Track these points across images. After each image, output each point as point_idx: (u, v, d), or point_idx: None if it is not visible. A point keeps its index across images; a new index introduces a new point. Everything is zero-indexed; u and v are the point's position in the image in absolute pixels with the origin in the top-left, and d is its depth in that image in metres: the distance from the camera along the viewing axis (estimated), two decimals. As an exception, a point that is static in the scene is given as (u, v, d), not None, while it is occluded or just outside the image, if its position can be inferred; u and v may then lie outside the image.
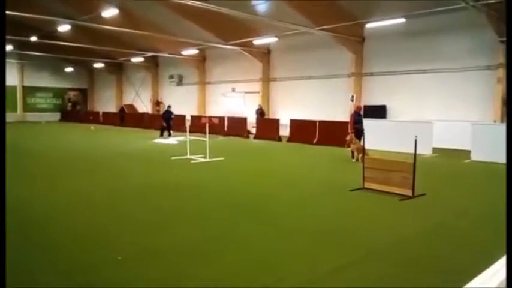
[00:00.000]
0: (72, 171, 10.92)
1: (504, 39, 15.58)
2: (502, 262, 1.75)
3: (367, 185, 8.45)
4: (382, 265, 4.48)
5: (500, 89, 16.02)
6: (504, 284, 1.58)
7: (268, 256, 4.72)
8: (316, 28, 19.16)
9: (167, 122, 21.76)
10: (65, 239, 5.28)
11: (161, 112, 30.98)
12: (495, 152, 12.22)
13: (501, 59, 15.94)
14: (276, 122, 21.24)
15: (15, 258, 4.31)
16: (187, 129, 15.08)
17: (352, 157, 13.01)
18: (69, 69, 39.94)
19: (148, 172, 10.77)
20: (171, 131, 21.76)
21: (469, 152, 13.45)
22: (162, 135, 21.57)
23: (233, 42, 23.71)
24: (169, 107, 22.66)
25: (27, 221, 6.01)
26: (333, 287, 3.98)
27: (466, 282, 1.65)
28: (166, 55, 29.45)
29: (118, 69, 38.42)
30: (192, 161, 12.42)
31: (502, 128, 13.26)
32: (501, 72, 15.93)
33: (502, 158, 11.51)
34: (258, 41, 22.93)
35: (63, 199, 7.52)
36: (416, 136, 7.89)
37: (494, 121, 15.82)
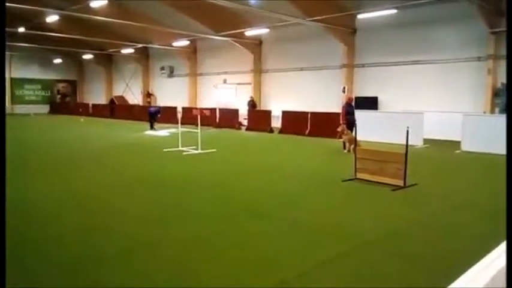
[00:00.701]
0: (62, 165, 10.81)
1: (495, 30, 15.69)
2: (497, 252, 1.74)
3: (359, 175, 8.50)
4: (373, 256, 4.52)
5: (490, 80, 16.15)
6: (503, 273, 1.58)
7: (261, 249, 4.73)
8: (308, 19, 19.09)
9: (154, 116, 21.67)
10: (58, 233, 5.23)
11: (152, 104, 31.12)
12: (485, 142, 12.38)
13: (491, 50, 16.06)
14: (267, 114, 21.22)
15: (13, 252, 4.27)
16: (179, 121, 14.99)
17: (344, 148, 13.06)
18: (58, 61, 39.37)
19: (140, 165, 10.71)
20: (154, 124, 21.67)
21: (459, 142, 13.58)
22: (152, 127, 21.45)
23: (224, 33, 23.54)
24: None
25: (17, 217, 5.95)
26: (324, 277, 4.00)
27: (454, 273, 1.65)
28: (157, 46, 29.16)
29: (108, 61, 37.98)
30: (184, 153, 12.37)
31: (492, 119, 13.43)
32: (491, 64, 16.05)
33: (491, 149, 11.68)
34: (249, 32, 22.78)
35: (55, 194, 7.45)
36: (408, 127, 7.94)
37: (484, 112, 15.97)
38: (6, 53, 36.05)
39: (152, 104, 31.31)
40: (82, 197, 7.05)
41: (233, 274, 4.02)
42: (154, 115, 21.54)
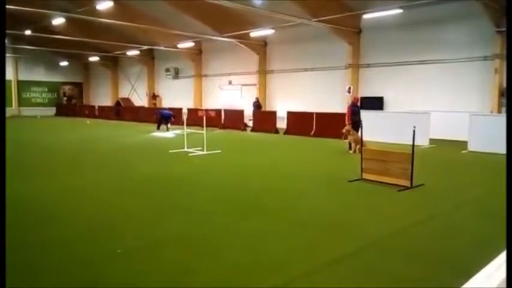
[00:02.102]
0: (68, 166, 10.87)
1: (501, 29, 15.58)
2: (502, 259, 1.71)
3: (365, 176, 8.46)
4: (379, 256, 4.50)
5: (497, 80, 16.03)
6: (504, 283, 1.56)
7: (268, 247, 4.72)
8: (313, 20, 19.06)
9: (167, 119, 21.70)
10: (64, 234, 5.25)
11: (157, 106, 31.30)
12: (492, 142, 12.27)
13: (498, 49, 15.93)
14: (273, 115, 21.20)
15: (17, 252, 4.29)
16: (184, 122, 15.01)
17: (350, 148, 13.01)
18: (64, 63, 39.62)
19: (146, 166, 10.71)
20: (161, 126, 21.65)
21: (465, 142, 13.49)
22: (158, 128, 21.52)
23: (229, 34, 23.57)
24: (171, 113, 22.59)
25: (24, 217, 5.99)
26: (332, 276, 3.99)
27: (461, 275, 1.64)
28: (162, 48, 29.26)
29: (113, 63, 38.17)
30: (190, 154, 12.38)
31: (499, 119, 13.31)
32: (498, 63, 15.93)
33: (498, 149, 11.57)
34: (254, 33, 22.78)
35: (62, 195, 7.49)
36: (414, 127, 7.89)
37: (491, 112, 15.85)
38: (13, 55, 36.37)
39: (158, 106, 31.47)
40: (89, 197, 7.08)
41: (241, 271, 4.02)
42: (168, 119, 21.49)
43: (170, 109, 23.58)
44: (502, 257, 1.69)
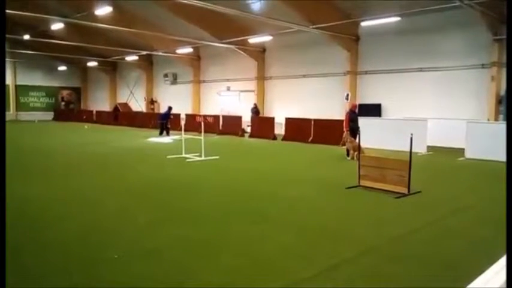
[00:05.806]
0: (66, 170, 10.84)
1: (498, 37, 15.70)
2: (501, 264, 1.72)
3: (362, 182, 8.46)
4: (376, 262, 4.50)
5: (494, 87, 16.11)
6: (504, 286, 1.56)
7: (266, 253, 4.71)
8: (311, 26, 19.16)
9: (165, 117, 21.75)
10: (61, 237, 5.24)
11: (155, 111, 31.23)
12: (489, 150, 12.32)
13: (495, 57, 16.04)
14: (271, 121, 21.21)
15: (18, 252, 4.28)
16: (182, 128, 15.01)
17: (348, 155, 13.03)
18: (62, 68, 39.64)
19: (144, 171, 10.70)
20: (165, 131, 21.66)
21: (462, 150, 13.53)
22: (161, 133, 21.51)
23: (228, 40, 23.65)
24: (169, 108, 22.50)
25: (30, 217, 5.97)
26: (332, 280, 3.98)
27: (459, 280, 1.64)
28: (161, 54, 29.32)
29: (112, 68, 38.22)
30: (188, 160, 12.37)
31: (496, 126, 13.37)
32: (495, 71, 16.02)
33: (495, 156, 11.62)
34: (253, 40, 22.89)
35: (62, 199, 7.46)
36: (412, 134, 7.92)
37: (488, 119, 15.92)
38: (11, 60, 36.34)
39: (156, 112, 31.50)
40: (86, 201, 7.06)
41: (239, 275, 4.01)
42: (167, 117, 21.50)
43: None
44: (500, 263, 1.70)
